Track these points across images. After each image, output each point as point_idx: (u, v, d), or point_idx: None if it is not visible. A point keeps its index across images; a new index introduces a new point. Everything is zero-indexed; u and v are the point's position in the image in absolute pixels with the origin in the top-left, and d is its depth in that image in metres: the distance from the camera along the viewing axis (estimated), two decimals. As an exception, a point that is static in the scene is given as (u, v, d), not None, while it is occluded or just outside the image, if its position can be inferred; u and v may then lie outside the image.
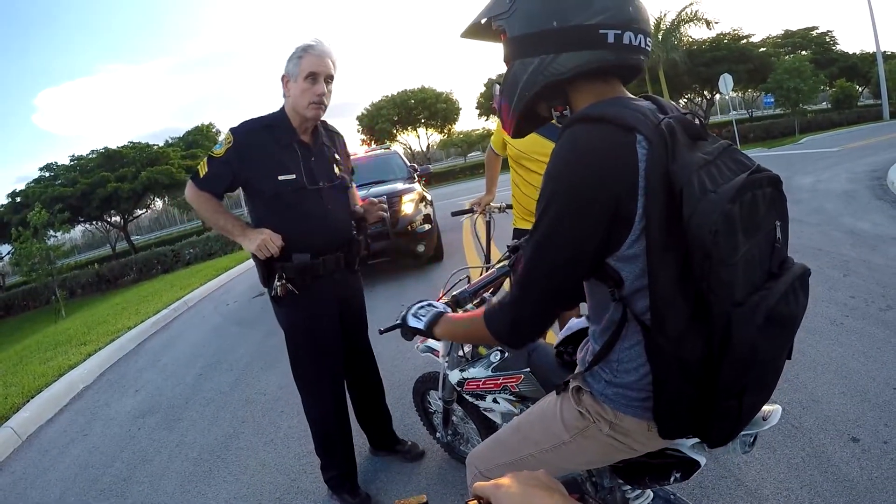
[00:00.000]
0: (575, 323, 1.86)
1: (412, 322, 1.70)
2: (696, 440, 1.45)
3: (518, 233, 3.36)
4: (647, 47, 1.26)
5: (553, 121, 1.43)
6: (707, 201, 1.08)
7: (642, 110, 1.19)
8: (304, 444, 3.65)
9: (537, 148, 3.12)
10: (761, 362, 1.18)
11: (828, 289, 4.76)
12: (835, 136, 25.17)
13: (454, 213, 4.05)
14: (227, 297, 10.25)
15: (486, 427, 2.61)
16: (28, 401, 5.81)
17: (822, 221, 7.39)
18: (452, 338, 1.55)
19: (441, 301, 1.96)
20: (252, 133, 2.59)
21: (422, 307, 1.73)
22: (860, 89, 49.99)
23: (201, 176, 2.59)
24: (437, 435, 3.02)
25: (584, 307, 1.45)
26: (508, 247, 2.38)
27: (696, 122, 1.25)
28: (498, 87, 1.45)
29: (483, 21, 1.38)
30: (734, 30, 44.71)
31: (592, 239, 1.18)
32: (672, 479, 1.57)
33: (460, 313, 1.61)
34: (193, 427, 4.48)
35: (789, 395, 3.18)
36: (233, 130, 2.58)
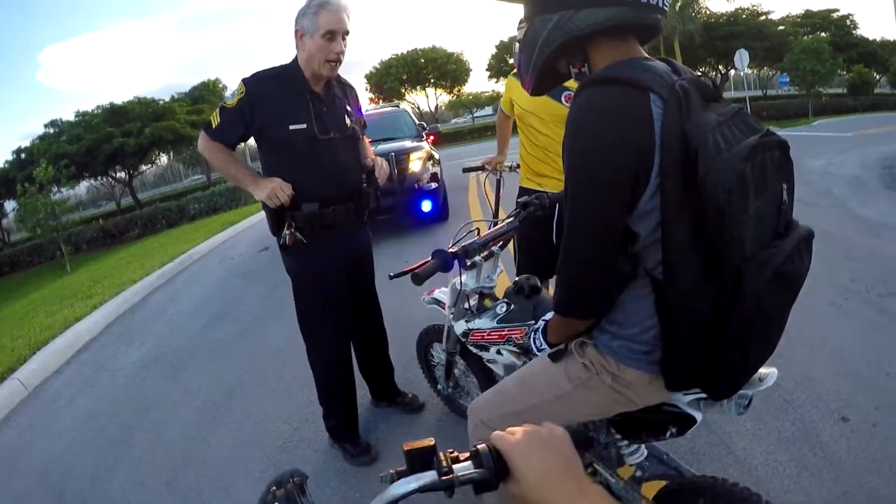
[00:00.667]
0: None
1: (538, 345, 1.73)
2: (693, 397, 1.49)
3: (523, 191, 3.30)
4: (665, 7, 1.26)
5: (571, 78, 1.42)
6: (721, 160, 1.10)
7: (657, 71, 1.21)
8: (306, 393, 3.67)
9: (541, 107, 3.07)
10: (767, 317, 1.22)
11: (829, 271, 4.70)
12: (849, 122, 24.91)
13: (465, 170, 4.01)
14: (231, 252, 10.27)
15: (488, 380, 2.62)
16: (34, 353, 5.85)
17: (829, 204, 7.37)
18: (560, 338, 1.55)
19: (451, 250, 1.97)
20: (264, 83, 2.56)
21: (536, 332, 1.75)
22: (878, 77, 49.28)
23: (214, 126, 2.57)
24: (439, 387, 3.03)
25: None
26: (518, 202, 2.37)
27: (710, 84, 1.26)
28: (518, 44, 1.47)
29: None
30: (753, 5, 44.08)
31: (621, 195, 1.19)
32: (668, 433, 1.59)
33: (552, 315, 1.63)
34: (198, 377, 4.52)
35: (783, 370, 3.14)
36: (245, 81, 2.56)
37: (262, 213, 2.68)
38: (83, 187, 41.07)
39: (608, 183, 1.18)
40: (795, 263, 1.22)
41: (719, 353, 1.23)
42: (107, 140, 29.10)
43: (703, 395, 1.45)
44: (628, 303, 1.33)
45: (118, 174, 33.66)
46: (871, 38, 48.74)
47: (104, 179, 34.54)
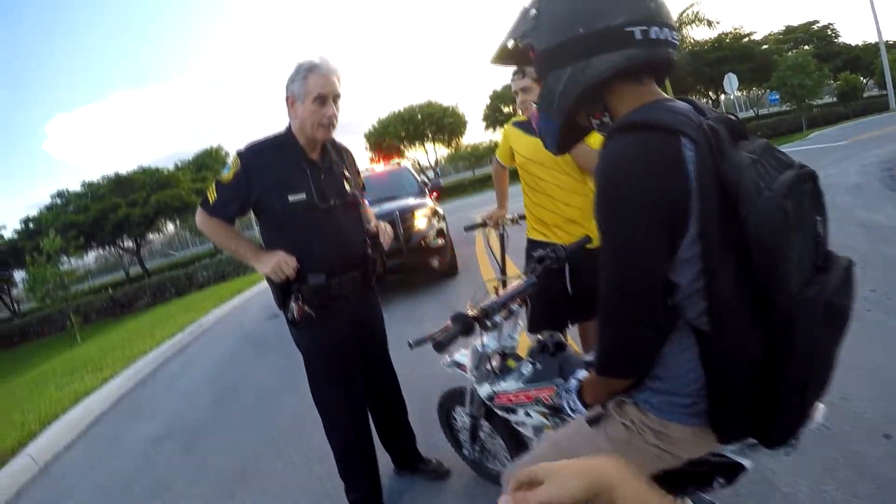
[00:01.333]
0: None
1: (572, 406, 1.67)
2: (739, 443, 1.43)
3: (532, 243, 3.22)
4: (675, 40, 1.25)
5: (594, 130, 1.41)
6: (764, 199, 1.08)
7: (683, 112, 1.20)
8: (326, 466, 3.55)
9: (542, 152, 2.96)
10: (821, 355, 1.19)
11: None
12: (842, 130, 25.07)
13: (467, 228, 3.96)
14: (241, 320, 10.22)
15: (515, 442, 2.55)
16: (45, 427, 5.78)
17: (837, 216, 7.21)
18: (598, 399, 1.51)
19: (470, 312, 1.91)
20: (259, 154, 2.53)
21: (569, 393, 1.69)
22: (865, 80, 50.05)
23: (211, 202, 2.53)
24: (464, 452, 2.93)
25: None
26: (534, 256, 2.32)
27: (737, 121, 1.24)
28: (535, 106, 1.45)
29: (510, 44, 1.40)
30: (735, 29, 44.93)
31: (661, 247, 1.16)
32: (715, 484, 1.53)
33: (588, 375, 1.59)
34: (213, 451, 4.41)
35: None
36: (239, 153, 2.52)
37: (266, 279, 2.62)
38: (91, 257, 41.38)
39: (646, 236, 1.15)
40: (843, 296, 1.19)
41: (775, 399, 1.19)
42: (113, 210, 29.41)
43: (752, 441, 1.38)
44: (669, 356, 1.29)
45: (126, 243, 33.87)
46: (853, 43, 49.91)
47: (112, 249, 34.74)
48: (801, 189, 1.15)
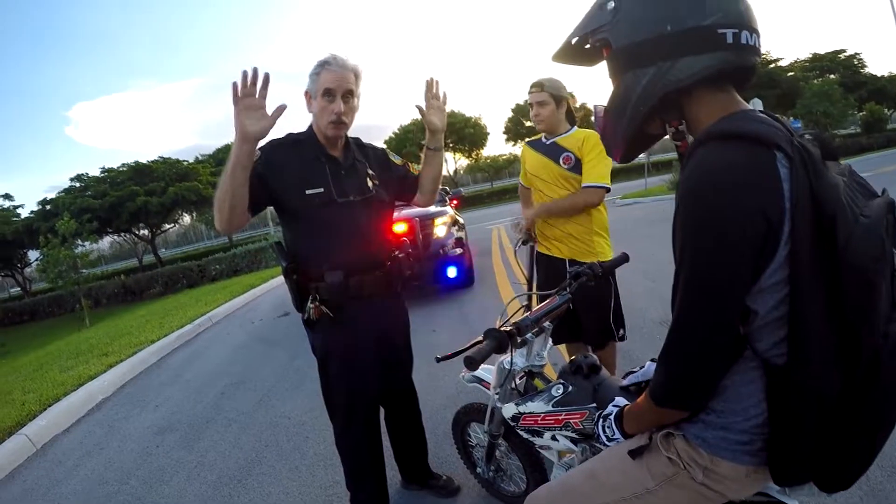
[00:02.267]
0: (650, 367, 1.70)
1: (608, 434, 1.52)
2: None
3: (540, 256, 3.38)
4: (760, 47, 1.16)
5: (667, 136, 1.30)
6: (863, 227, 1.01)
7: (775, 124, 1.10)
8: (331, 472, 3.46)
9: (543, 168, 3.24)
10: None
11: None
12: (866, 161, 24.98)
13: (518, 245, 3.71)
14: (252, 315, 10.15)
15: (532, 464, 2.46)
16: (45, 409, 5.73)
17: None
18: (643, 429, 1.40)
19: (501, 329, 1.80)
20: (278, 149, 2.46)
21: (605, 420, 1.54)
22: (889, 112, 49.91)
23: None
24: (478, 470, 2.82)
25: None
26: (569, 272, 2.24)
27: (828, 140, 1.16)
28: (602, 108, 1.33)
29: (575, 41, 1.30)
30: (762, 54, 45.02)
31: (747, 271, 1.06)
32: None
33: (633, 403, 1.46)
34: (214, 448, 4.31)
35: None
36: (261, 148, 2.41)
37: (283, 277, 2.50)
38: (106, 242, 41.71)
39: (733, 258, 1.05)
40: None
41: (846, 441, 1.12)
42: (131, 198, 29.57)
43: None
44: (730, 388, 1.20)
45: (141, 231, 34.07)
46: (879, 74, 49.91)
47: (127, 236, 34.95)
48: (886, 219, 1.07)
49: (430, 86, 2.69)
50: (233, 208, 2.21)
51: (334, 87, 2.36)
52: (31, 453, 4.95)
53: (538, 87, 3.12)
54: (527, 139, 3.45)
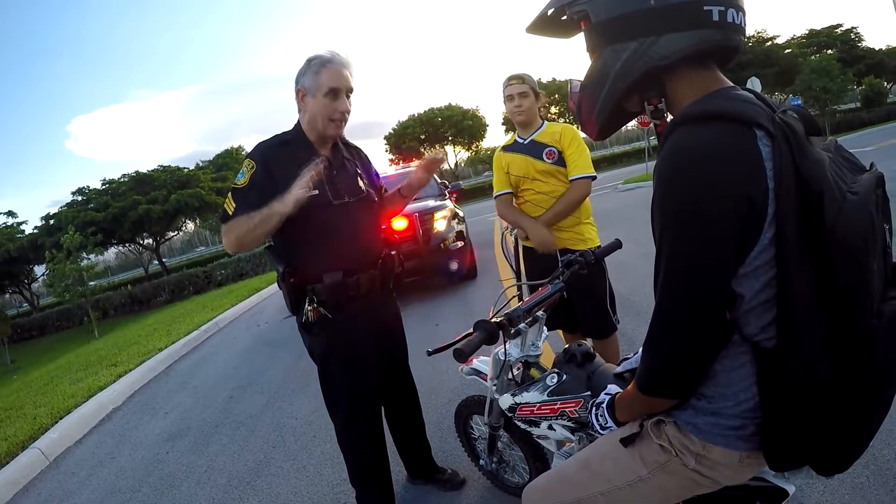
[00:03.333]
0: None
1: (601, 422, 1.51)
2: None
3: (528, 250, 3.37)
4: (745, 27, 1.12)
5: (645, 115, 1.25)
6: (851, 203, 0.97)
7: (756, 102, 1.06)
8: (337, 471, 3.48)
9: (525, 167, 3.24)
10: (894, 379, 1.07)
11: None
12: (866, 135, 24.79)
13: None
14: (258, 318, 10.19)
15: (534, 455, 2.46)
16: (57, 421, 5.77)
17: None
18: (634, 417, 1.39)
19: (493, 319, 1.81)
20: (269, 152, 2.43)
21: (597, 408, 1.54)
22: (889, 86, 49.52)
23: (231, 213, 2.38)
24: (481, 462, 2.83)
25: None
26: (562, 261, 2.24)
27: (811, 116, 1.12)
28: (578, 83, 1.29)
29: (551, 12, 1.23)
30: (758, 32, 44.71)
31: (730, 256, 1.03)
32: None
33: (624, 391, 1.45)
34: (223, 452, 4.33)
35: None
36: (250, 156, 2.42)
37: (278, 281, 2.50)
38: (111, 253, 41.81)
39: (716, 243, 1.01)
40: None
41: (841, 425, 1.09)
42: (133, 207, 29.59)
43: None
44: (720, 374, 1.17)
45: (145, 241, 34.12)
46: (877, 47, 49.65)
47: (132, 246, 35.01)
48: (875, 194, 1.04)
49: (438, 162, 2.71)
50: (253, 246, 2.40)
51: (339, 85, 2.35)
52: (44, 466, 4.98)
53: (519, 79, 3.15)
54: (500, 147, 3.46)
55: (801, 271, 1.00)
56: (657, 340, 1.14)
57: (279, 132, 2.54)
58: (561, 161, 3.14)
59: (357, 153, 2.74)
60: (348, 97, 2.42)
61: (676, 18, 1.06)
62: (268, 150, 2.44)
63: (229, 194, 2.42)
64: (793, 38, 49.74)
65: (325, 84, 2.33)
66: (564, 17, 1.23)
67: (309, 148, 2.45)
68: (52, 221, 29.58)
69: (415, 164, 2.86)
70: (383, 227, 2.75)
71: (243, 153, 39.47)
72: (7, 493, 4.50)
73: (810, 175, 0.97)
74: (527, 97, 3.15)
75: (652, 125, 1.23)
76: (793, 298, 1.02)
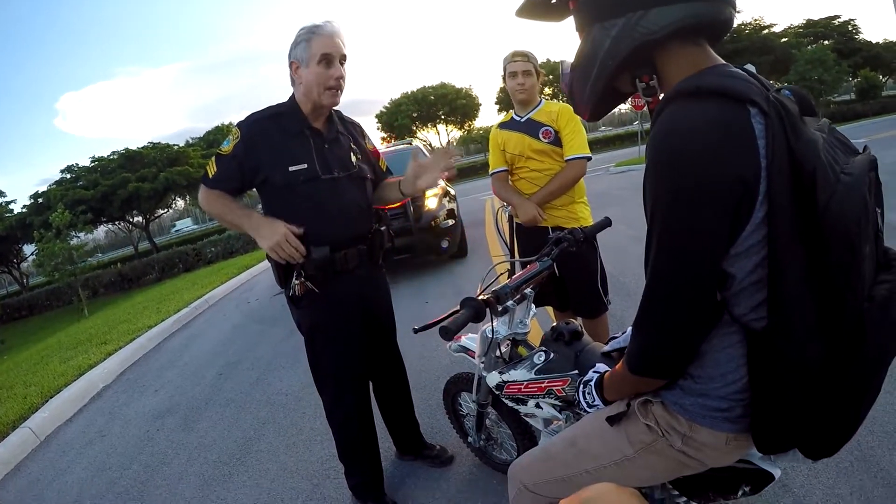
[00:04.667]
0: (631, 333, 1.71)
1: (589, 400, 1.51)
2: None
3: (521, 228, 3.37)
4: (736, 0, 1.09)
5: (638, 93, 1.22)
6: (844, 185, 0.95)
7: (748, 79, 1.04)
8: (326, 447, 3.50)
9: (520, 145, 3.25)
10: (885, 363, 1.06)
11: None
12: (860, 128, 24.66)
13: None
14: (248, 296, 10.17)
15: (522, 432, 2.48)
16: (47, 401, 5.76)
17: None
18: (621, 396, 1.39)
19: (480, 297, 1.80)
20: (259, 124, 2.39)
21: (585, 386, 1.54)
22: (884, 79, 49.56)
23: (210, 175, 2.39)
24: (469, 439, 2.85)
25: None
26: (550, 238, 2.24)
27: (806, 95, 1.10)
28: (569, 64, 1.26)
29: None
30: (755, 20, 44.57)
31: (722, 235, 1.01)
32: (740, 493, 1.43)
33: (612, 370, 1.45)
34: (213, 428, 4.35)
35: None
36: (239, 125, 2.39)
37: (266, 255, 2.49)
38: (101, 232, 41.62)
39: (707, 222, 1.00)
40: None
41: (832, 409, 1.08)
42: (122, 185, 29.47)
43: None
44: (707, 354, 1.17)
45: (135, 218, 33.94)
46: (874, 40, 49.46)
47: (121, 224, 34.84)
48: (868, 177, 1.03)
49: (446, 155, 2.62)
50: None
51: (332, 51, 2.30)
52: (35, 445, 4.97)
53: (524, 56, 3.12)
54: (497, 124, 3.46)
55: (793, 252, 0.99)
56: (647, 320, 1.13)
57: (273, 104, 2.50)
58: (557, 141, 3.14)
59: (353, 127, 2.71)
60: (342, 64, 2.38)
61: None
62: (256, 122, 2.40)
63: (212, 158, 2.42)
64: (790, 28, 49.58)
65: (317, 52, 2.29)
66: (553, 1, 1.22)
67: (302, 121, 2.42)
68: (40, 200, 29.44)
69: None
70: (374, 204, 2.72)
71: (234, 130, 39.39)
72: (-2, 473, 4.50)
73: (804, 154, 0.96)
74: (530, 75, 3.14)
75: (645, 106, 1.20)
76: (784, 279, 1.00)
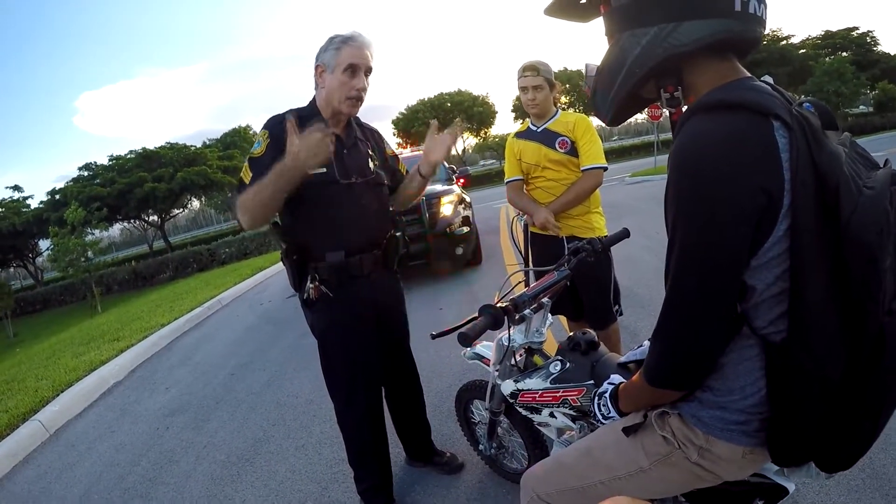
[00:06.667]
0: (647, 346, 1.69)
1: (604, 412, 1.50)
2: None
3: (536, 236, 3.36)
4: (766, 19, 1.10)
5: (660, 103, 1.22)
6: (867, 198, 0.95)
7: (773, 93, 1.04)
8: (336, 450, 3.49)
9: (537, 155, 3.26)
10: None
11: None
12: (879, 141, 24.60)
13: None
14: (261, 297, 10.20)
15: (534, 441, 2.46)
16: (58, 394, 5.79)
17: None
18: (638, 408, 1.39)
19: (498, 305, 1.79)
20: (284, 124, 2.34)
21: (600, 397, 1.53)
22: None
23: (248, 181, 2.31)
24: (480, 447, 2.83)
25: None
26: (568, 248, 2.23)
27: (828, 109, 1.09)
28: (594, 67, 1.26)
29: None
30: (773, 31, 44.45)
31: (742, 247, 1.01)
32: None
33: (628, 381, 1.45)
34: (223, 428, 4.35)
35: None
36: (267, 126, 2.39)
37: (282, 257, 2.48)
38: (116, 229, 41.97)
39: (730, 235, 1.00)
40: None
41: (850, 422, 1.08)
42: (139, 184, 29.66)
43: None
44: (726, 367, 1.16)
45: (150, 217, 34.20)
46: (893, 52, 49.11)
47: (137, 222, 35.10)
48: (890, 190, 1.02)
49: (435, 128, 2.65)
50: (266, 218, 2.31)
51: (359, 62, 2.33)
52: (44, 438, 5.00)
53: (533, 70, 3.10)
54: (513, 133, 3.46)
55: (815, 265, 0.98)
56: (667, 331, 1.13)
57: (293, 107, 2.50)
58: (573, 151, 3.13)
59: (371, 134, 2.72)
60: (367, 76, 2.40)
61: (699, 6, 1.04)
62: (282, 123, 2.34)
63: (246, 164, 2.37)
64: (808, 39, 49.38)
65: (344, 60, 2.32)
66: (583, 0, 1.22)
67: (322, 124, 2.41)
68: (57, 196, 29.66)
69: (420, 148, 2.80)
70: (391, 209, 2.73)
71: (251, 132, 39.43)
72: (7, 465, 4.52)
73: (827, 168, 0.96)
74: (541, 90, 3.12)
75: (664, 116, 1.20)
76: (805, 292, 1.00)
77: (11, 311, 18.24)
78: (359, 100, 2.40)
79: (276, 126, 2.37)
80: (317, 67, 2.40)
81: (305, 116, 2.41)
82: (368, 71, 2.40)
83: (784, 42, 44.53)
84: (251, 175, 2.31)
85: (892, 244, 1.02)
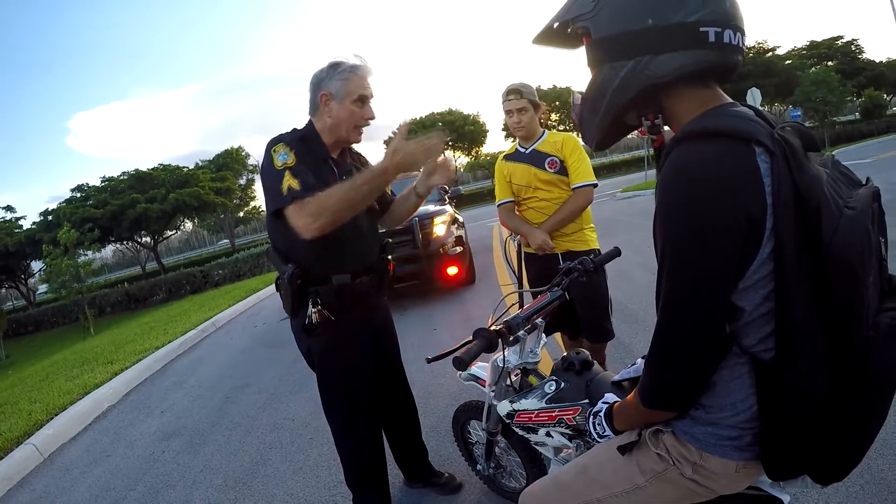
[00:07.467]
0: (641, 364, 1.72)
1: (599, 431, 1.51)
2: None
3: (531, 256, 3.37)
4: (744, 46, 1.14)
5: (642, 129, 1.29)
6: (848, 218, 0.99)
7: (754, 118, 1.08)
8: (334, 473, 3.49)
9: (527, 176, 3.29)
10: (891, 390, 1.08)
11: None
12: (866, 148, 24.83)
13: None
14: (255, 319, 10.20)
15: (532, 460, 2.46)
16: (52, 418, 5.77)
17: None
18: (632, 427, 1.42)
19: (492, 327, 1.82)
20: (294, 143, 2.36)
21: (595, 417, 1.55)
22: (888, 98, 49.77)
23: (298, 188, 2.18)
24: (478, 467, 2.83)
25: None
26: (560, 268, 2.25)
27: (809, 131, 1.13)
28: (579, 95, 1.31)
29: (556, 25, 1.26)
30: (759, 43, 44.94)
31: (731, 271, 1.06)
32: None
33: (623, 400, 1.48)
34: (219, 452, 4.34)
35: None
36: (281, 138, 2.34)
37: (284, 282, 2.44)
38: (109, 251, 41.80)
39: (717, 257, 1.04)
40: None
41: (840, 436, 1.10)
42: (132, 205, 29.60)
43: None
44: (718, 384, 1.19)
45: (143, 239, 34.10)
46: (878, 59, 49.81)
47: (129, 244, 34.98)
48: (871, 208, 1.06)
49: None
50: (345, 220, 2.25)
51: (368, 93, 2.37)
52: (38, 462, 4.98)
53: (517, 93, 3.15)
54: (502, 155, 3.49)
55: (799, 285, 1.02)
56: (661, 355, 1.16)
57: (295, 129, 2.48)
58: (563, 170, 3.17)
59: (358, 158, 2.73)
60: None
61: (673, 39, 1.08)
62: (292, 141, 2.35)
63: (286, 173, 2.22)
64: (793, 50, 50.09)
65: (354, 91, 2.33)
66: (569, 31, 1.26)
67: (324, 150, 2.44)
68: (50, 217, 29.55)
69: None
70: (381, 232, 2.77)
71: (243, 153, 39.36)
72: (1, 489, 4.50)
73: (808, 191, 0.99)
74: (525, 112, 3.17)
75: (648, 139, 1.25)
76: (790, 311, 1.04)
77: (3, 333, 18.13)
78: (364, 128, 2.45)
79: (292, 141, 2.35)
80: (321, 96, 2.38)
81: (309, 139, 2.42)
82: (370, 98, 2.44)
83: (769, 54, 45.02)
84: (297, 181, 2.20)
85: (874, 260, 1.06)
